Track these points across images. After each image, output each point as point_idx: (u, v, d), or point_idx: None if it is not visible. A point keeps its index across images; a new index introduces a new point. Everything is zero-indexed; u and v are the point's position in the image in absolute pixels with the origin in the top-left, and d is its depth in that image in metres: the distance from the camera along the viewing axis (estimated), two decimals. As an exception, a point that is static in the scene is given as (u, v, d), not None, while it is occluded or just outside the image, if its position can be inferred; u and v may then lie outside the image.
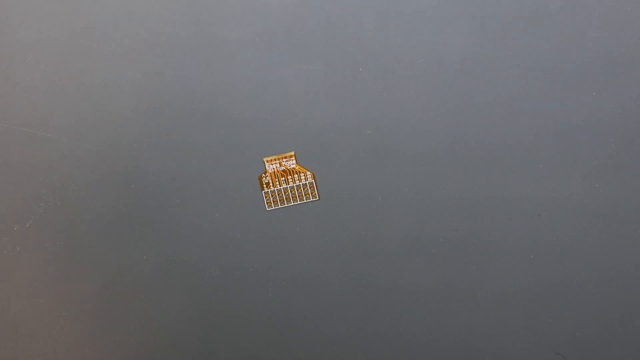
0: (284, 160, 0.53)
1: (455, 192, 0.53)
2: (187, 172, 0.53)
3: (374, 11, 0.49)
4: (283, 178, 0.54)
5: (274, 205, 0.54)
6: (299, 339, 0.58)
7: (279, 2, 0.49)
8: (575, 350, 0.58)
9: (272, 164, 0.53)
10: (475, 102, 0.51)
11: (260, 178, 0.54)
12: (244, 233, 0.55)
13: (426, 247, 0.55)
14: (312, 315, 0.58)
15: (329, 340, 0.58)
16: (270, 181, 0.54)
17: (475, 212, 0.54)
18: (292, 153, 0.53)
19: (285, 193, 0.54)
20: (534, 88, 0.50)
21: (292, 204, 0.54)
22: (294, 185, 0.54)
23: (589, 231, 0.54)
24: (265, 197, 0.54)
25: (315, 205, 0.54)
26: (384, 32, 0.49)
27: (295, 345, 0.58)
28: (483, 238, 0.55)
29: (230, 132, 0.52)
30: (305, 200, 0.54)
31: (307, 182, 0.54)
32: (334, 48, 0.50)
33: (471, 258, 0.55)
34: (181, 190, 0.54)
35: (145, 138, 0.52)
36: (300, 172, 0.54)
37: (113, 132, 0.52)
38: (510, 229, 0.54)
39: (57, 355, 0.58)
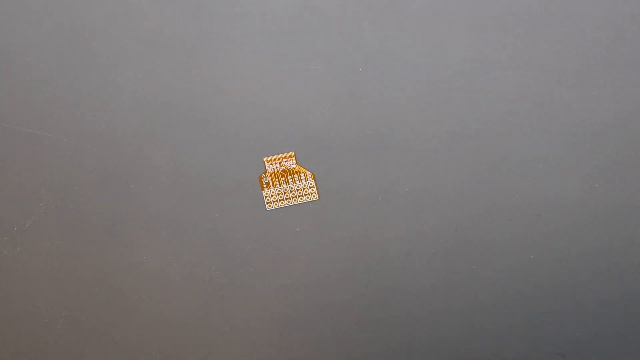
0: (284, 160, 0.53)
1: (455, 192, 0.54)
2: (187, 172, 0.53)
3: (374, 11, 0.49)
4: (283, 178, 0.54)
5: (274, 205, 0.54)
6: (299, 339, 0.58)
7: (279, 2, 0.49)
8: (575, 350, 0.58)
9: (272, 164, 0.53)
10: (475, 102, 0.51)
11: (260, 178, 0.54)
12: (244, 233, 0.55)
13: (426, 247, 0.55)
14: (312, 315, 0.58)
15: (329, 340, 0.58)
16: (270, 181, 0.54)
17: (475, 212, 0.54)
18: (292, 153, 0.53)
19: (285, 193, 0.54)
20: (534, 88, 0.50)
21: (292, 204, 0.55)
22: (294, 185, 0.54)
23: (589, 231, 0.54)
24: (265, 197, 0.54)
25: (315, 205, 0.54)
26: (384, 32, 0.49)
27: (295, 345, 0.58)
28: (483, 238, 0.55)
29: (230, 132, 0.52)
30: (305, 200, 0.54)
31: (307, 182, 0.54)
32: (334, 48, 0.50)
33: (471, 258, 0.55)
34: (181, 190, 0.54)
35: (145, 138, 0.52)
36: (300, 172, 0.54)
37: (113, 132, 0.52)
38: (510, 229, 0.54)
39: (57, 355, 0.59)
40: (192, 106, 0.52)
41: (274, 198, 0.54)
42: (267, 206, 0.54)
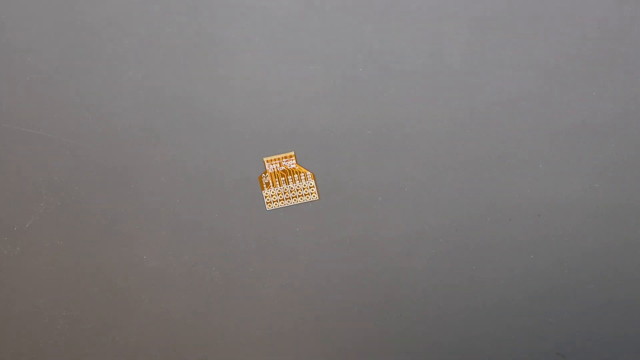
0: (284, 160, 0.53)
1: (455, 192, 0.53)
2: (187, 172, 0.53)
3: (374, 11, 0.49)
4: (283, 178, 0.54)
5: (274, 205, 0.54)
6: (299, 339, 0.58)
7: (279, 2, 0.49)
8: (575, 350, 0.58)
9: (272, 164, 0.53)
10: (475, 102, 0.51)
11: (260, 178, 0.54)
12: (244, 233, 0.55)
13: (426, 247, 0.55)
14: (312, 316, 0.58)
15: (329, 340, 0.58)
16: (270, 181, 0.54)
17: (475, 212, 0.54)
18: (292, 153, 0.53)
19: (285, 193, 0.54)
20: (534, 88, 0.50)
21: (292, 204, 0.55)
22: (294, 185, 0.54)
23: (589, 231, 0.54)
24: (265, 197, 0.54)
25: (315, 205, 0.54)
26: (384, 32, 0.49)
27: (295, 345, 0.58)
28: (483, 238, 0.55)
29: (230, 132, 0.52)
30: (305, 200, 0.54)
31: (307, 182, 0.54)
32: (334, 48, 0.50)
33: (471, 258, 0.55)
34: (181, 190, 0.54)
35: (145, 138, 0.52)
36: (300, 172, 0.54)
37: (113, 132, 0.52)
38: (510, 229, 0.54)
39: (57, 355, 0.59)
40: (192, 106, 0.52)
41: (274, 198, 0.54)
42: (267, 206, 0.54)
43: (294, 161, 0.53)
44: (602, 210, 0.53)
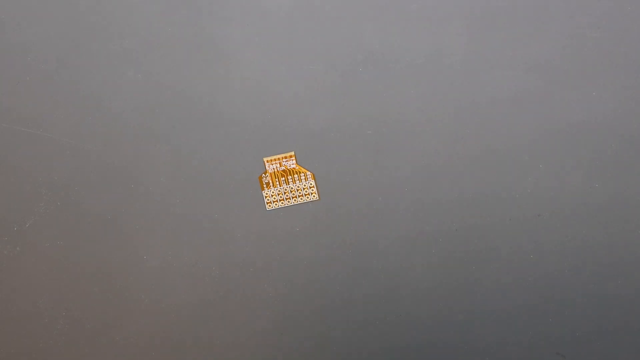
0: (284, 160, 0.53)
1: (455, 192, 0.53)
2: (187, 172, 0.53)
3: (374, 11, 0.49)
4: (283, 178, 0.54)
5: (274, 205, 0.54)
6: (299, 339, 0.58)
7: (279, 2, 0.49)
8: (575, 350, 0.58)
9: (272, 164, 0.53)
10: (475, 102, 0.51)
11: (260, 178, 0.54)
12: (244, 233, 0.55)
13: (426, 247, 0.55)
14: (312, 316, 0.58)
15: (329, 340, 0.58)
16: (270, 181, 0.54)
17: (475, 212, 0.54)
18: (292, 153, 0.53)
19: (285, 193, 0.54)
20: (534, 88, 0.50)
21: (292, 204, 0.55)
22: (294, 185, 0.54)
23: (589, 231, 0.54)
24: (265, 197, 0.54)
25: (315, 205, 0.54)
26: (384, 32, 0.49)
27: (295, 345, 0.58)
28: (483, 238, 0.55)
29: (230, 132, 0.52)
30: (305, 200, 0.54)
31: (307, 182, 0.54)
32: (334, 48, 0.50)
33: (471, 258, 0.55)
34: (181, 190, 0.54)
35: (145, 138, 0.52)
36: (300, 172, 0.54)
37: (113, 132, 0.52)
38: (510, 229, 0.54)
39: (57, 355, 0.59)
40: (192, 106, 0.52)
41: (274, 198, 0.54)
42: (267, 206, 0.54)
43: (294, 161, 0.53)
44: (602, 210, 0.53)
